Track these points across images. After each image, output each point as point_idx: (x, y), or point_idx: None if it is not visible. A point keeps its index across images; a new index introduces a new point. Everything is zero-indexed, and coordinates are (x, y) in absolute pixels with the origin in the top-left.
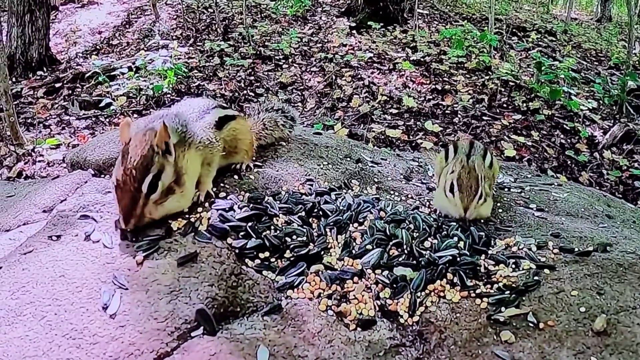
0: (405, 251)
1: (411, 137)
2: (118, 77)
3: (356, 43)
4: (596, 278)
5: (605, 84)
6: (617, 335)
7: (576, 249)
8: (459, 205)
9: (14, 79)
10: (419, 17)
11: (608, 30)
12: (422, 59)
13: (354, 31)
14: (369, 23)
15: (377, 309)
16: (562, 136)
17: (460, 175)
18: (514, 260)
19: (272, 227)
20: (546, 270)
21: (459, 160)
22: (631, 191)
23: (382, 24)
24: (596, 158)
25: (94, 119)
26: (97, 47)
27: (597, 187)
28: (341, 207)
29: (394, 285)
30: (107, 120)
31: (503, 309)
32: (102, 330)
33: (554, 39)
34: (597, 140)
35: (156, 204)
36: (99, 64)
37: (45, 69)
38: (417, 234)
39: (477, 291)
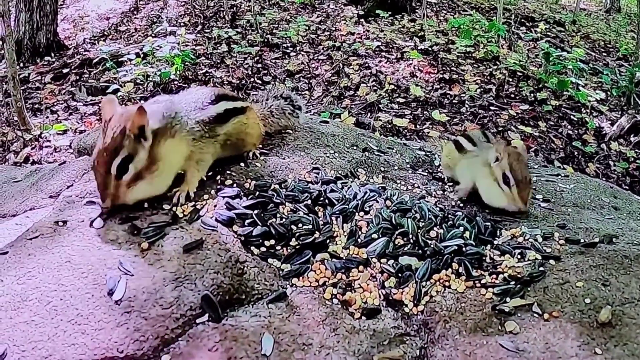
0: (411, 240)
1: (418, 126)
2: (125, 63)
3: (364, 31)
4: (602, 269)
5: (613, 75)
6: (622, 327)
7: (582, 240)
8: (517, 199)
9: (21, 64)
10: (427, 6)
11: (617, 21)
12: (430, 48)
13: (362, 20)
14: (377, 11)
15: (382, 298)
16: (569, 127)
17: (512, 165)
18: (519, 251)
19: (278, 215)
20: (552, 261)
21: (502, 149)
22: (638, 183)
23: (390, 13)
24: (603, 149)
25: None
26: (105, 33)
27: (604, 179)
28: (347, 196)
29: (399, 275)
30: None
31: (508, 299)
32: (107, 316)
33: (562, 29)
34: (604, 132)
35: (127, 187)
36: (107, 50)
37: (53, 55)
38: (423, 224)
39: (483, 281)
